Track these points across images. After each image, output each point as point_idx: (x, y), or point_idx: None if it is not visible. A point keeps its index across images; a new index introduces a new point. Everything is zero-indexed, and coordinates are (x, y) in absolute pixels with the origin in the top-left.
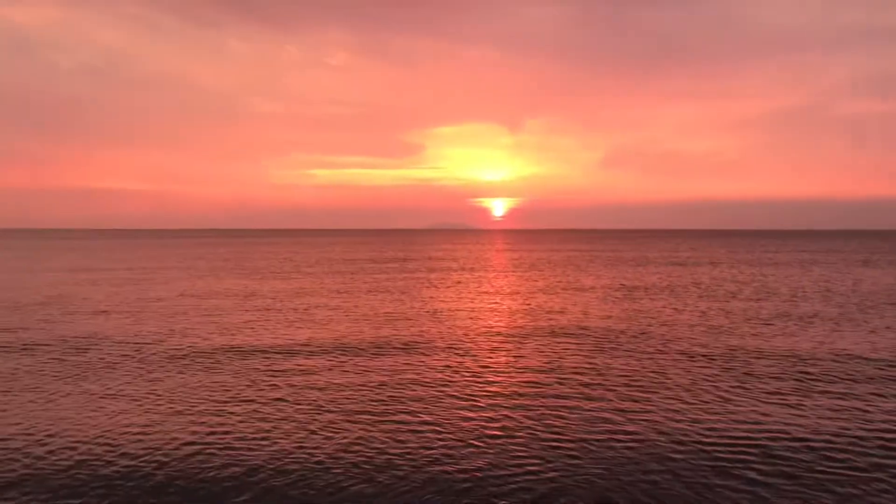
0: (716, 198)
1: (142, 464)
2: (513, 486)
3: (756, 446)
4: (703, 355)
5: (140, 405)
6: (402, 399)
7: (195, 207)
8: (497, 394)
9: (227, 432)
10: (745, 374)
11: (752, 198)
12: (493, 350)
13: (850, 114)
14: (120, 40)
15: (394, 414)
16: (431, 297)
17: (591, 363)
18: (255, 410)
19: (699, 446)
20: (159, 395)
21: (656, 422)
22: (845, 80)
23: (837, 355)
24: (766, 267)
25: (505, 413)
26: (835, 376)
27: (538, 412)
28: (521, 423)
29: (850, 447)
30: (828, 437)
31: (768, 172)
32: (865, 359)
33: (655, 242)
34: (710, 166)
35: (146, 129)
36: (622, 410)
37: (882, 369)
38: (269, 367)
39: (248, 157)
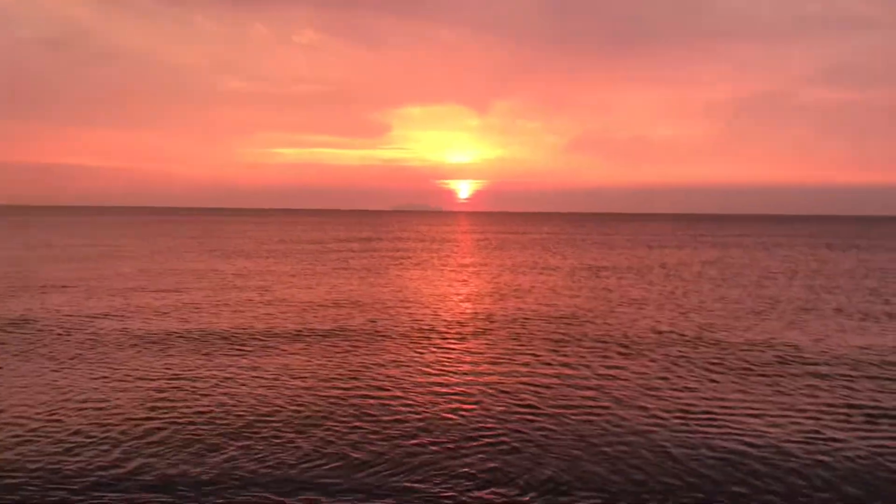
0: (681, 183)
1: (91, 440)
2: (486, 458)
3: (731, 419)
4: (673, 332)
5: (91, 381)
6: (369, 375)
7: (159, 185)
8: (469, 362)
9: (184, 408)
10: (718, 350)
11: (718, 183)
12: (462, 325)
13: (815, 101)
14: (84, 14)
15: (361, 389)
16: (398, 276)
17: (561, 338)
18: (212, 387)
19: (675, 415)
20: (114, 370)
21: (630, 396)
22: (810, 69)
23: (806, 332)
24: (732, 249)
25: (478, 388)
26: (808, 354)
27: (511, 386)
28: (495, 396)
29: (834, 422)
30: (804, 407)
31: (734, 158)
32: (833, 337)
33: (621, 225)
34: (675, 152)
35: (109, 105)
36: (596, 386)
37: (854, 347)
38: (229, 344)
39: (215, 136)
